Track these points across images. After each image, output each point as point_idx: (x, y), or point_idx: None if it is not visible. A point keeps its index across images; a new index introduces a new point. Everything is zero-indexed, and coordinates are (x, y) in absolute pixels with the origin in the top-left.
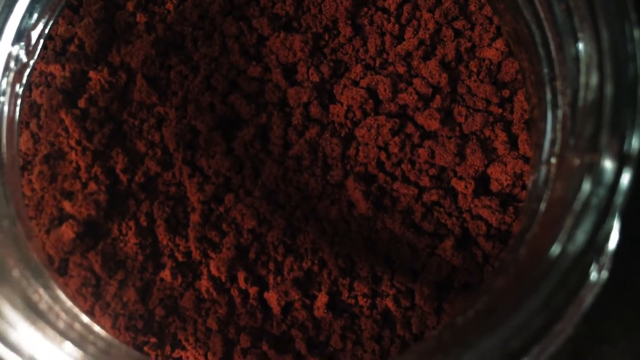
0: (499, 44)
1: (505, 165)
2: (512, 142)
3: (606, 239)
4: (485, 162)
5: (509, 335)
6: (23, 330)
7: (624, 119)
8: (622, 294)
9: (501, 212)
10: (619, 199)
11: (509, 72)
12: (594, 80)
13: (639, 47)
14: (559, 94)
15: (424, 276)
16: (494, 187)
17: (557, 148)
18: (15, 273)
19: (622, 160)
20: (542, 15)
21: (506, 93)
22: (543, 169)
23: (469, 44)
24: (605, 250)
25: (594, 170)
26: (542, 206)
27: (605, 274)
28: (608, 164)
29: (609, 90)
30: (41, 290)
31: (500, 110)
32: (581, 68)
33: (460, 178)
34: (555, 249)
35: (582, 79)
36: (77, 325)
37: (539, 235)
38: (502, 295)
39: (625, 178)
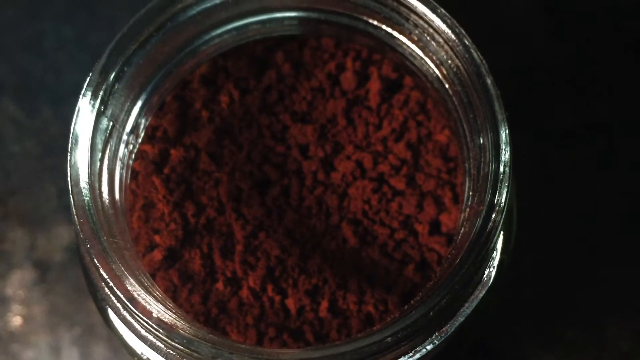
0: (447, 131)
1: (450, 214)
2: (455, 199)
3: (490, 255)
4: (437, 212)
5: (428, 311)
6: (144, 300)
7: (497, 184)
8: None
9: (447, 246)
10: (494, 231)
11: (454, 150)
12: (487, 160)
13: (507, 143)
14: (471, 168)
15: (395, 290)
16: (443, 229)
17: (469, 202)
18: (135, 272)
19: (493, 208)
20: (462, 118)
21: (452, 165)
22: (462, 215)
23: (426, 131)
24: (491, 262)
25: (481, 214)
26: (459, 238)
27: (491, 278)
28: (487, 211)
29: (492, 167)
30: (147, 283)
31: (447, 177)
32: (482, 153)
33: (420, 222)
34: (459, 261)
35: (482, 160)
36: (169, 304)
37: (454, 255)
38: (429, 291)
39: (496, 218)
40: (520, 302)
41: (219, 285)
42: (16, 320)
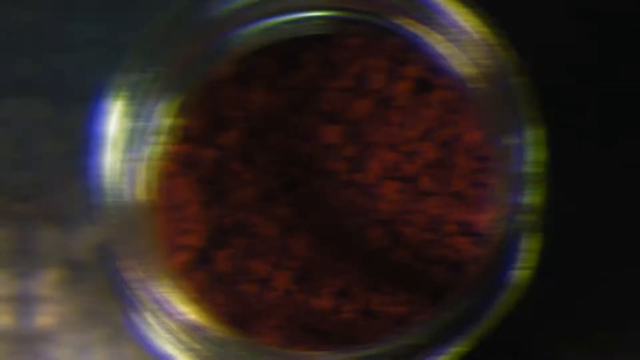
0: (479, 131)
1: (482, 214)
2: (487, 199)
3: (521, 257)
4: (468, 213)
5: (459, 313)
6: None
7: (528, 185)
8: None
9: (478, 246)
10: (524, 233)
11: (486, 150)
12: (519, 161)
13: (539, 143)
14: (503, 168)
15: (425, 291)
16: (474, 229)
17: (501, 202)
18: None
19: (524, 209)
20: (493, 118)
21: (484, 165)
22: (493, 216)
23: (457, 131)
24: (523, 264)
25: (511, 216)
26: (490, 239)
27: (523, 280)
28: (518, 212)
29: (524, 168)
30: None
31: (479, 177)
32: (513, 153)
33: (451, 223)
34: (490, 263)
35: (514, 160)
36: (198, 305)
37: (485, 256)
38: (459, 292)
39: (528, 219)
40: (554, 302)
41: (248, 286)
42: (45, 320)
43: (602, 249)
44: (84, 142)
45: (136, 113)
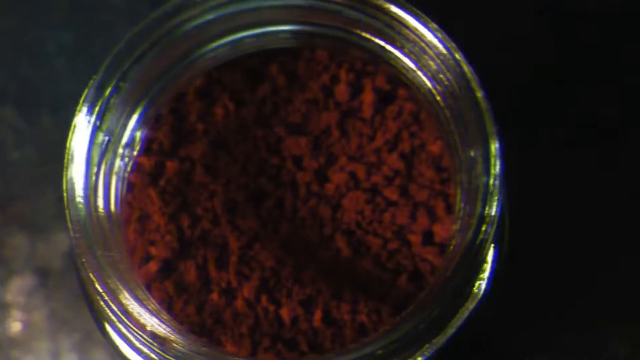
0: (440, 142)
1: (444, 224)
2: (448, 209)
3: (481, 267)
4: (430, 223)
5: (419, 323)
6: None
7: (486, 197)
8: None
9: (441, 256)
10: (484, 244)
11: (447, 161)
12: (478, 173)
13: (497, 156)
14: (463, 179)
15: (388, 300)
16: (437, 239)
17: (462, 213)
18: (130, 285)
19: (483, 221)
20: (454, 130)
21: (445, 175)
22: (454, 226)
23: (420, 142)
24: (483, 274)
25: (471, 227)
26: (451, 249)
27: (482, 290)
28: (477, 224)
29: (482, 180)
30: (142, 295)
31: (440, 187)
32: (473, 165)
33: (413, 233)
34: (450, 274)
35: (473, 172)
36: (164, 316)
37: (445, 266)
38: (420, 302)
39: (487, 230)
40: (518, 308)
41: (214, 295)
42: (16, 326)
43: (572, 253)
44: (53, 150)
45: (102, 128)
